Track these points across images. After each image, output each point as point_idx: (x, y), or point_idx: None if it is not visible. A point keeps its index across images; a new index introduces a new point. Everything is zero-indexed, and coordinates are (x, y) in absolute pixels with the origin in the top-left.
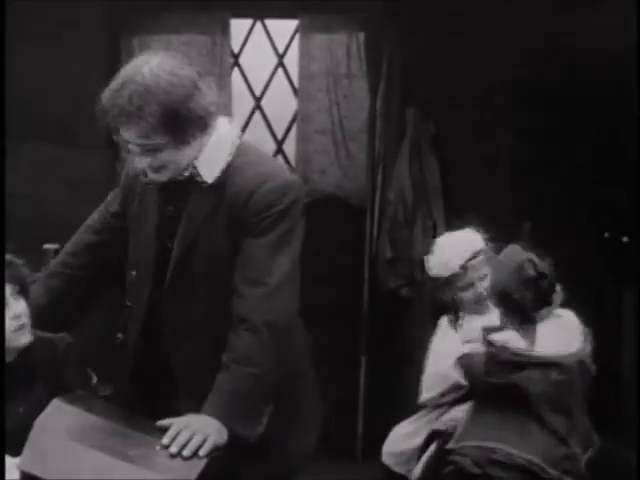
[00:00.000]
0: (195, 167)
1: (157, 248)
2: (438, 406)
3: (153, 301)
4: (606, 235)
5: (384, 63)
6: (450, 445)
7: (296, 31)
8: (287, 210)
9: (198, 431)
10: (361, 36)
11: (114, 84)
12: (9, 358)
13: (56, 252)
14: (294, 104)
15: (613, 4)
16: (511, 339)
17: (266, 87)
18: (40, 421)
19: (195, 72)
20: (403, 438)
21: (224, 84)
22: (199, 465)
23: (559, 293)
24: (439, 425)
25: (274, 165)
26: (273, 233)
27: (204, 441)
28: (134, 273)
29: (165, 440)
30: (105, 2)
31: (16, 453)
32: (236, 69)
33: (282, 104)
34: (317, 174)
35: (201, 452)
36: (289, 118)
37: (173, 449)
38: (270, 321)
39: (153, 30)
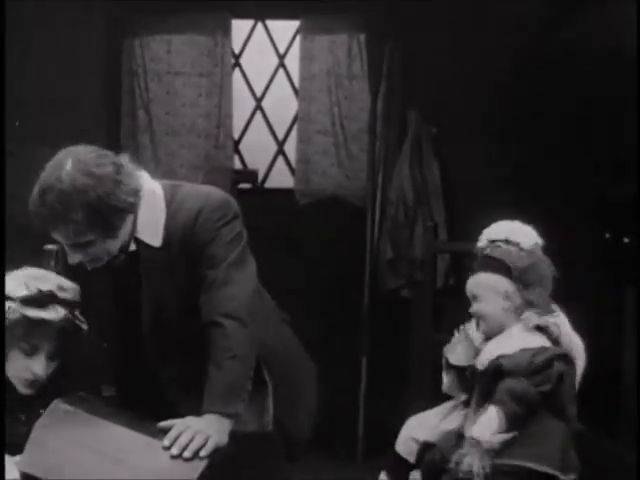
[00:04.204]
0: (138, 238)
1: (120, 314)
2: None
3: (134, 346)
4: (606, 235)
5: (385, 64)
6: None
7: (297, 32)
8: (231, 223)
9: (199, 432)
10: (362, 37)
11: (35, 193)
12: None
13: (57, 253)
14: (295, 105)
15: (614, 4)
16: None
17: (267, 88)
18: (41, 422)
19: (112, 164)
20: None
21: (225, 85)
22: (200, 466)
23: None
24: (430, 437)
25: (206, 189)
26: (223, 244)
27: (205, 442)
28: (105, 345)
29: (166, 442)
30: (106, 3)
31: (17, 452)
32: (237, 70)
33: (283, 105)
34: (318, 175)
35: (202, 453)
36: (290, 119)
37: (174, 451)
38: (225, 312)
39: (154, 31)
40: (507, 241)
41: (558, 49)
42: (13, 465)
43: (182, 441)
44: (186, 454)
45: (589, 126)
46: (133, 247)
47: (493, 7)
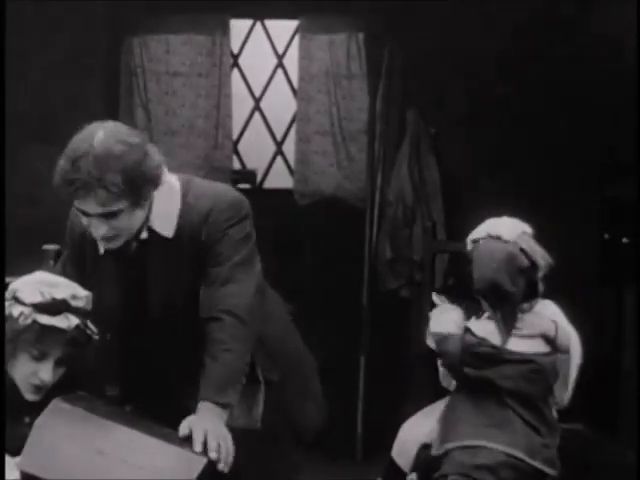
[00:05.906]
0: (151, 227)
1: (126, 305)
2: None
3: (140, 337)
4: (606, 236)
5: (384, 64)
6: (435, 451)
7: (296, 32)
8: (241, 224)
9: (220, 436)
10: (361, 37)
11: (66, 162)
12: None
13: (57, 253)
14: (294, 105)
15: (614, 4)
16: (490, 332)
17: (266, 88)
18: (40, 421)
19: (141, 137)
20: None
21: (224, 85)
22: (199, 464)
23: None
24: (427, 438)
25: (219, 187)
26: (230, 244)
27: (228, 443)
28: (108, 337)
29: (197, 447)
30: (105, 2)
31: (16, 452)
32: (236, 70)
33: (282, 105)
34: (317, 175)
35: (229, 455)
36: (288, 119)
37: (213, 455)
38: (225, 309)
39: (153, 30)
40: (489, 236)
41: (558, 49)
42: (13, 465)
43: (213, 445)
44: (223, 457)
45: (589, 126)
46: (145, 235)
47: (492, 7)
